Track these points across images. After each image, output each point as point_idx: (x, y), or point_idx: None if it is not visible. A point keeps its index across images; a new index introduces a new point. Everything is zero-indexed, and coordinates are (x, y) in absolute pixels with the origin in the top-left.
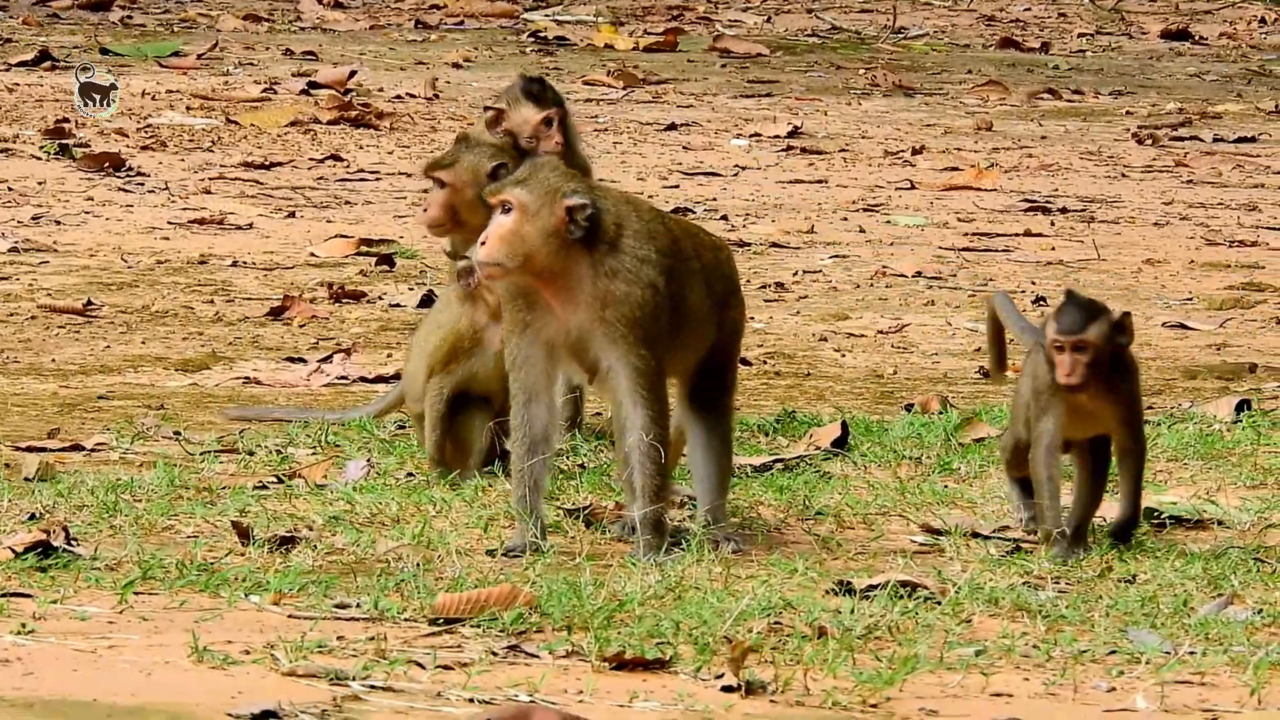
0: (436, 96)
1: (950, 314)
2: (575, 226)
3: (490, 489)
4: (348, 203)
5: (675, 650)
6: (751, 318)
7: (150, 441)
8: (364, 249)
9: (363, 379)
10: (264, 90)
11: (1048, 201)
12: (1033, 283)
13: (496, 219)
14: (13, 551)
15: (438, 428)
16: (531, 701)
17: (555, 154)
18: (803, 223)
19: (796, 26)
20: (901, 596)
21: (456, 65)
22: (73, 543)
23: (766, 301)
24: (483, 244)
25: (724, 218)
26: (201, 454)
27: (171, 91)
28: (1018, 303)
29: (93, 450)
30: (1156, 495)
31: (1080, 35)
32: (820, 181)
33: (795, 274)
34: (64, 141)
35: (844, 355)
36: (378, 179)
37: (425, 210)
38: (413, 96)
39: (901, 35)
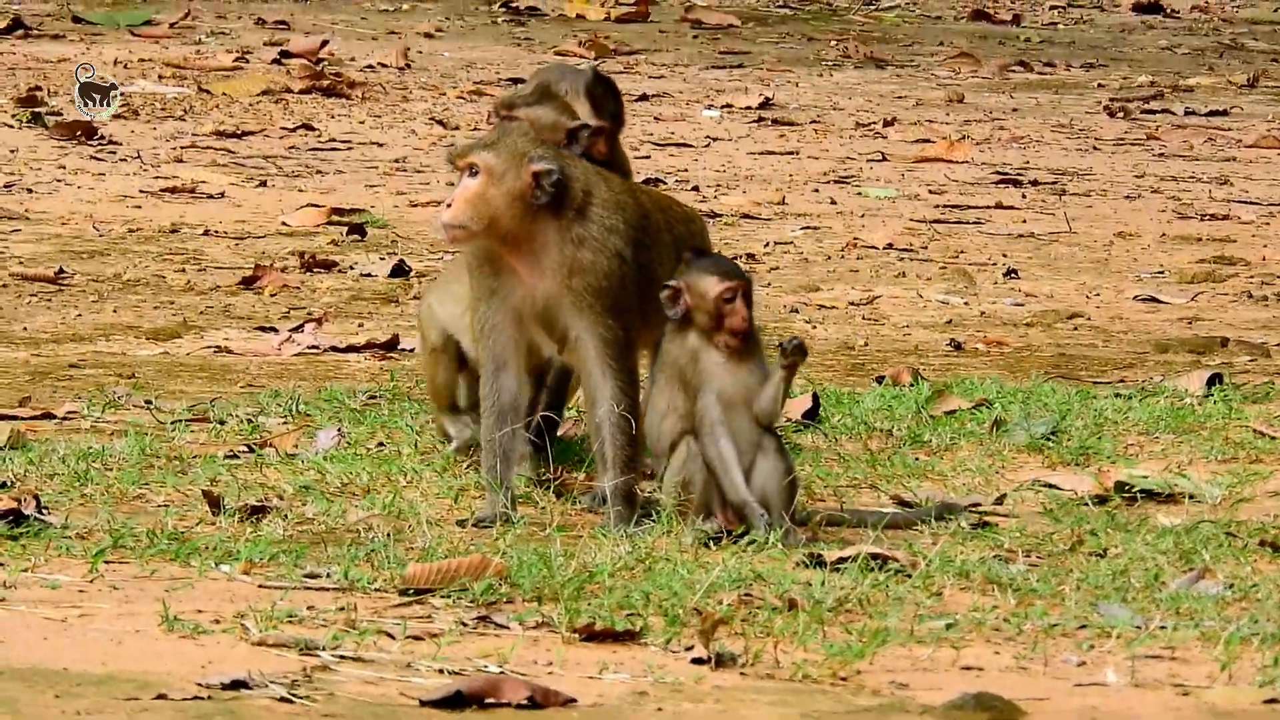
0: (408, 66)
1: (921, 286)
2: (541, 192)
3: (461, 460)
4: (319, 172)
5: (645, 622)
6: None
7: (121, 410)
8: (335, 218)
9: (334, 348)
10: (236, 59)
11: (1019, 174)
12: (1004, 255)
13: (463, 182)
14: None
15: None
16: (501, 672)
17: (598, 155)
18: (774, 194)
19: None
20: (872, 569)
21: (428, 35)
22: (44, 511)
23: None
24: (448, 207)
25: (695, 188)
26: (172, 423)
27: (144, 60)
28: (989, 275)
29: (64, 418)
30: (1128, 469)
31: (1052, 7)
32: (791, 153)
33: (766, 245)
34: (36, 110)
35: (815, 327)
36: (349, 148)
37: None
38: (384, 66)
39: (873, 6)
